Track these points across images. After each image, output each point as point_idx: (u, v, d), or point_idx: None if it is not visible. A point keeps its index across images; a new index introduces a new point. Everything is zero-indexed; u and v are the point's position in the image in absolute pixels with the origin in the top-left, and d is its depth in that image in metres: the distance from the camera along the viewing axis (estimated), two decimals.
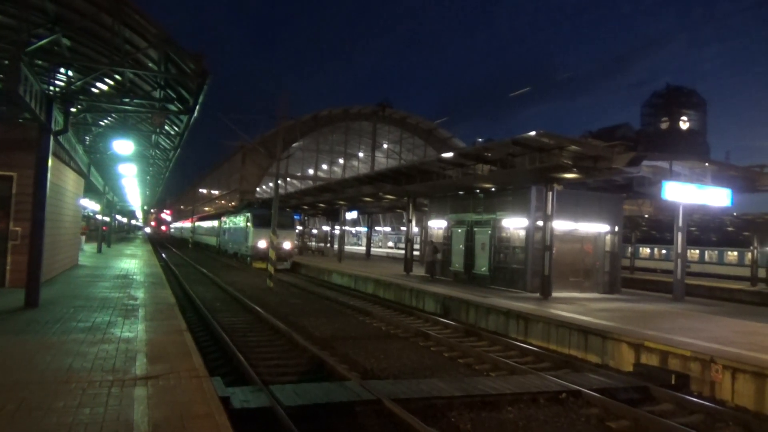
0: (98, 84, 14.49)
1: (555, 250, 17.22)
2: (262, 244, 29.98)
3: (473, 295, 16.81)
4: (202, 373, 6.49)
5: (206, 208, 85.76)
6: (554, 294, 16.96)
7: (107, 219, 38.07)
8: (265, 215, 30.22)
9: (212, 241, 51.18)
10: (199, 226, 64.26)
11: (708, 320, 13.63)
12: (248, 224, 33.70)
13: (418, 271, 25.68)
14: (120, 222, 72.58)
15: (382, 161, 71.83)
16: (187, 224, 74.67)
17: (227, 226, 42.80)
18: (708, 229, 37.54)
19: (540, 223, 17.55)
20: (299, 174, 73.51)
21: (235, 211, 42.04)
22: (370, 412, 7.17)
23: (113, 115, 17.39)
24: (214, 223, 50.88)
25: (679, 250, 18.51)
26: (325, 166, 76.15)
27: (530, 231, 18.33)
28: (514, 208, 19.29)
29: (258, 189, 69.43)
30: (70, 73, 13.32)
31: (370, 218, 47.50)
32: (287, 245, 32.17)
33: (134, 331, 8.81)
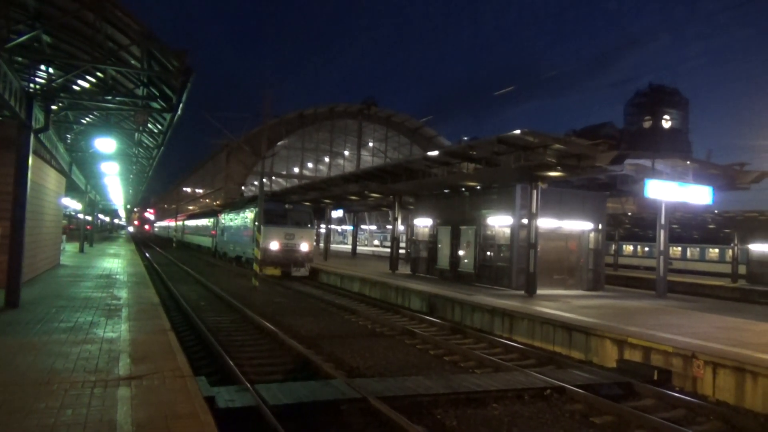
0: (80, 81, 14.27)
1: (539, 247, 17.34)
2: (275, 245, 25.60)
3: (459, 292, 16.87)
4: (187, 373, 6.44)
5: (190, 207, 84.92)
6: (539, 291, 17.08)
7: (89, 218, 37.55)
8: (279, 210, 26.90)
9: (206, 242, 44.94)
10: (189, 225, 56.93)
11: (689, 316, 13.82)
12: (257, 221, 29.17)
13: (405, 269, 25.73)
14: (102, 221, 71.73)
15: (368, 160, 71.72)
16: (174, 223, 69.33)
17: (227, 224, 36.02)
18: (690, 227, 38.05)
19: (525, 221, 17.67)
20: (284, 172, 73.21)
21: (237, 206, 35.53)
22: (356, 410, 7.17)
23: (95, 113, 17.15)
24: (209, 221, 44.09)
25: (662, 248, 18.74)
26: (310, 165, 75.90)
27: (515, 229, 18.44)
28: (499, 206, 19.38)
29: (243, 188, 69.03)
30: (50, 70, 13.13)
31: (356, 217, 47.50)
32: (305, 247, 26.99)
33: (117, 331, 8.73)
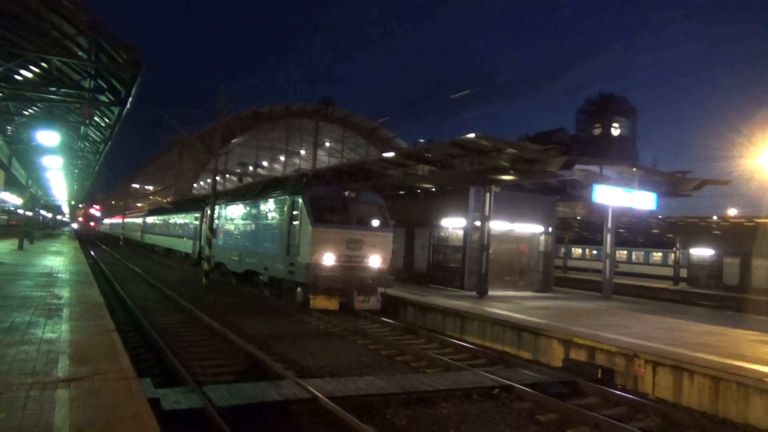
0: (22, 71, 13.69)
1: (492, 249, 17.63)
2: (329, 259, 15.39)
3: (412, 293, 16.97)
4: (130, 375, 6.24)
5: (139, 205, 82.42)
6: (490, 292, 17.37)
7: (30, 213, 35.95)
8: (334, 201, 16.54)
9: (182, 245, 33.21)
10: (154, 223, 44.23)
11: (633, 317, 14.32)
12: (298, 217, 16.44)
13: None
14: (45, 217, 68.84)
15: (324, 159, 71.37)
16: (134, 220, 58.81)
17: (229, 221, 23.28)
18: (635, 231, 39.49)
19: (478, 223, 17.94)
20: (239, 171, 72.04)
21: (251, 192, 22.74)
22: (306, 410, 7.11)
23: (38, 104, 16.49)
24: (190, 217, 31.74)
25: (608, 251, 19.36)
26: (265, 163, 74.93)
27: (468, 231, 18.70)
28: (453, 208, 19.62)
29: (195, 185, 67.56)
30: None
31: None
32: (376, 260, 16.07)
33: (57, 331, 8.37)
